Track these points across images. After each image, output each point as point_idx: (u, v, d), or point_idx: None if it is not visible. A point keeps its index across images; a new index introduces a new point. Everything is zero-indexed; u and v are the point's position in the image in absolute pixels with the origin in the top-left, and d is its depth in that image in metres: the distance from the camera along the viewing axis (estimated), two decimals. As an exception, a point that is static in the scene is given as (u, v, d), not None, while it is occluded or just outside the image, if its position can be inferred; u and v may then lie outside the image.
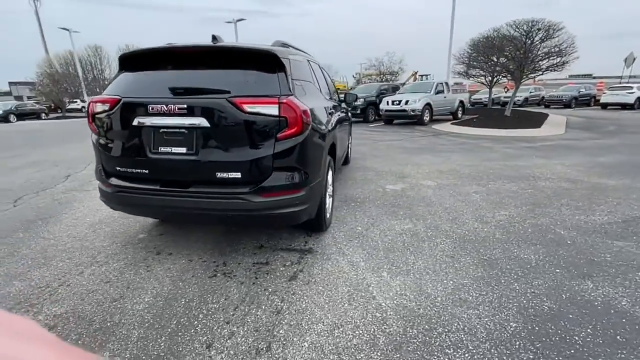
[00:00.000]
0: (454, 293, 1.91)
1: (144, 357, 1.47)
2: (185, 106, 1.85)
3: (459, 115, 13.35)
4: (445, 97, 12.46)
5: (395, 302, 1.84)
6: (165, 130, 1.92)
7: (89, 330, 1.65)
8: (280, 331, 1.63)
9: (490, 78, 16.65)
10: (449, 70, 16.76)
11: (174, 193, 1.96)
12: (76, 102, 32.71)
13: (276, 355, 1.48)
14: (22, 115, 21.75)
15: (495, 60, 13.97)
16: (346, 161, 5.17)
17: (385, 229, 2.81)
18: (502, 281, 2.02)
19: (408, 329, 1.63)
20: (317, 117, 2.28)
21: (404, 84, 19.50)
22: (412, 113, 11.14)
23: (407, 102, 11.22)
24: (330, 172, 2.84)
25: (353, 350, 1.50)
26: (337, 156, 3.28)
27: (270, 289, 1.97)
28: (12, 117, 20.75)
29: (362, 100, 12.65)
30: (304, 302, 1.85)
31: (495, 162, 5.40)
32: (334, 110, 3.22)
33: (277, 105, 1.87)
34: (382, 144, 7.45)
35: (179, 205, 1.98)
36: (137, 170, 2.02)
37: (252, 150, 1.90)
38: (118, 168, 2.07)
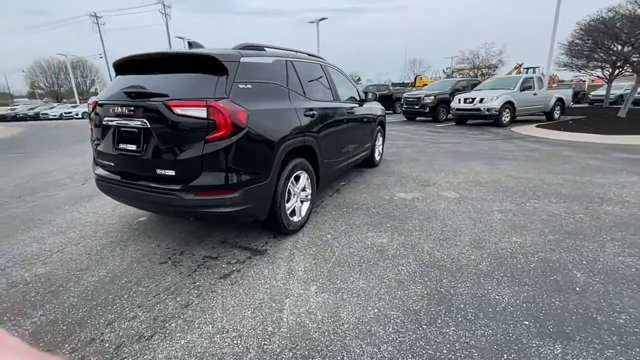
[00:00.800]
0: (367, 324, 1.68)
1: (59, 322, 1.74)
2: (132, 108, 2.07)
3: (555, 116, 11.13)
4: (535, 94, 10.53)
5: (298, 319, 1.72)
6: (123, 129, 2.19)
7: (46, 290, 2.02)
8: (173, 324, 1.70)
9: (610, 70, 13.35)
10: (550, 61, 14.00)
11: (129, 185, 2.22)
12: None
13: (150, 345, 1.56)
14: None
15: (618, 48, 11.11)
16: (371, 164, 4.90)
17: (354, 241, 2.60)
18: (438, 322, 1.68)
19: (286, 350, 1.52)
20: (267, 120, 2.26)
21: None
22: (486, 112, 9.79)
23: (481, 100, 9.90)
24: (304, 176, 2.77)
25: (216, 358, 1.48)
26: (328, 160, 3.17)
27: (197, 283, 2.07)
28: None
29: (431, 98, 11.70)
30: (214, 302, 1.88)
31: (560, 175, 4.38)
32: (326, 112, 3.11)
33: (205, 109, 1.93)
34: (434, 147, 6.78)
35: (132, 197, 2.24)
36: (107, 162, 2.36)
37: (184, 151, 2.01)
38: (99, 159, 2.46)
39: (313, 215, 3.14)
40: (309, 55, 3.40)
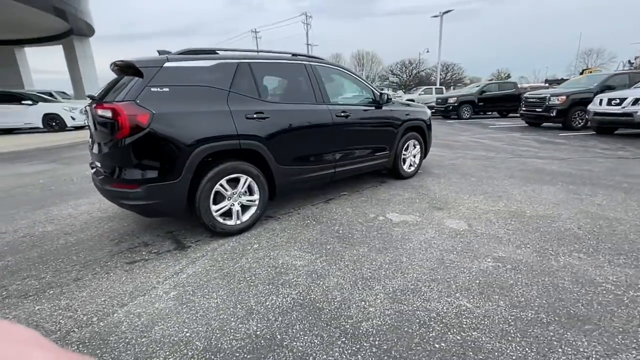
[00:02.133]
0: (172, 344, 1.55)
1: (18, 285, 2.32)
2: (85, 110, 2.51)
3: None
4: None
5: (114, 318, 1.75)
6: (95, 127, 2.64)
7: (29, 258, 2.71)
8: (51, 291, 2.02)
9: None
10: None
11: (94, 176, 2.70)
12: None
13: (21, 303, 1.91)
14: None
15: None
16: (397, 174, 4.26)
17: (270, 257, 2.38)
18: (221, 370, 1.39)
19: (81, 346, 1.58)
20: (179, 122, 2.32)
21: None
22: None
23: (637, 102, 6.96)
24: (245, 180, 2.70)
25: (41, 330, 1.69)
26: (293, 166, 2.99)
27: (109, 263, 2.34)
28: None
29: (560, 98, 9.04)
30: (96, 283, 2.11)
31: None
32: (292, 114, 2.94)
33: (111, 110, 2.16)
34: (513, 162, 5.26)
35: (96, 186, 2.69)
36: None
37: (104, 147, 2.31)
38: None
39: (272, 223, 3.02)
40: (294, 55, 3.24)
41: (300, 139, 3.05)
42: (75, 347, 1.56)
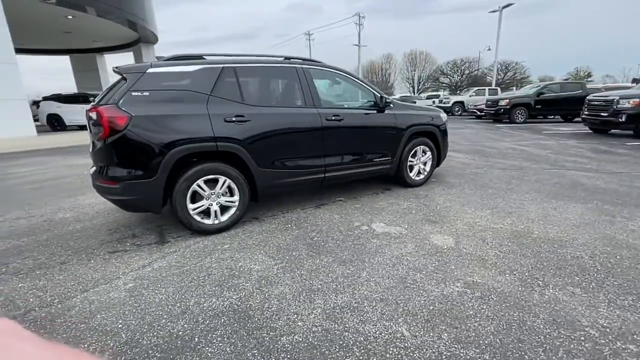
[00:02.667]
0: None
1: (17, 264, 2.68)
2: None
3: None
4: None
5: (66, 304, 1.91)
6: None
7: (38, 240, 3.10)
8: (38, 272, 2.28)
9: None
10: None
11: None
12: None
13: (8, 278, 2.20)
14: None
15: None
16: (402, 182, 4.02)
17: (233, 259, 2.41)
18: (127, 365, 1.45)
19: (29, 323, 1.77)
20: (155, 125, 2.45)
21: None
22: None
23: None
24: (223, 181, 2.77)
25: (12, 315, 1.93)
26: (276, 170, 2.99)
27: (96, 252, 2.58)
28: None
29: (632, 101, 7.75)
30: (76, 269, 2.34)
31: None
32: (276, 118, 2.95)
33: (96, 112, 2.38)
34: (548, 174, 4.62)
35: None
36: None
37: (95, 145, 2.55)
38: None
39: (254, 224, 3.06)
40: (286, 59, 3.24)
41: (284, 142, 3.04)
42: (27, 325, 1.74)
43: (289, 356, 1.48)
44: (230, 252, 2.52)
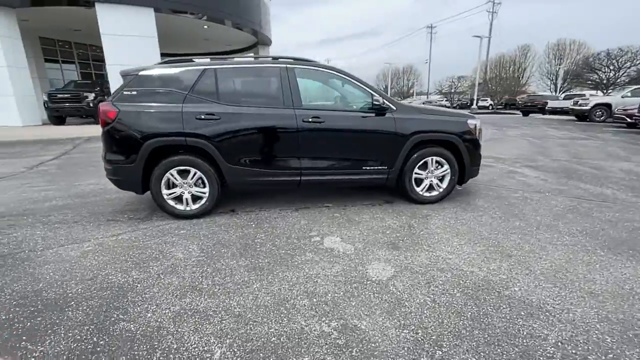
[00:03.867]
0: None
1: (49, 217, 3.61)
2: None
3: None
4: None
5: (35, 251, 2.50)
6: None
7: (74, 203, 4.04)
8: (38, 239, 3.05)
9: None
10: None
11: None
12: (486, 100, 37.61)
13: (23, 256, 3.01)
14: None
15: None
16: (406, 195, 3.50)
17: (163, 242, 2.65)
18: None
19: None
20: (135, 119, 2.87)
21: None
22: None
23: None
24: (194, 173, 3.03)
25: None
26: (246, 168, 3.10)
27: (97, 223, 3.26)
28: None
29: None
30: (61, 231, 3.02)
31: None
32: (249, 117, 3.03)
33: (99, 107, 2.96)
34: (619, 211, 3.17)
35: None
36: None
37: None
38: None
39: (224, 217, 3.23)
40: (274, 59, 3.24)
41: (254, 141, 3.08)
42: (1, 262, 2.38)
43: (115, 342, 1.59)
44: (178, 237, 2.77)
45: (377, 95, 3.24)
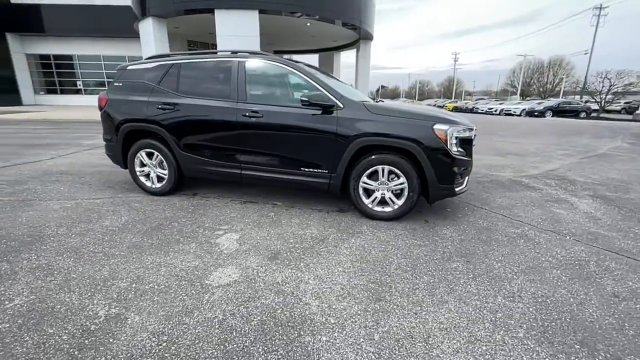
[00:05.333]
0: None
1: (76, 178, 4.64)
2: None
3: None
4: None
5: (36, 200, 3.34)
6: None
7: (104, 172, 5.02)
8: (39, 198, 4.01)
9: None
10: None
11: None
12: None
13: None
14: (560, 112, 23.45)
15: None
16: (352, 202, 3.09)
17: (111, 212, 3.12)
18: (-25, 235, 2.59)
19: None
20: (116, 106, 3.44)
21: None
22: None
23: None
24: (157, 156, 3.46)
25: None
26: (196, 156, 3.33)
27: (104, 187, 4.09)
28: (548, 113, 23.31)
29: None
30: (66, 190, 3.88)
31: None
32: (196, 108, 3.23)
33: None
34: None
35: None
36: None
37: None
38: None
39: (176, 198, 3.55)
40: (233, 52, 3.30)
41: (199, 131, 3.25)
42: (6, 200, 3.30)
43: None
44: (126, 208, 3.23)
45: (322, 91, 2.93)
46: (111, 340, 1.54)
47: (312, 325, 1.66)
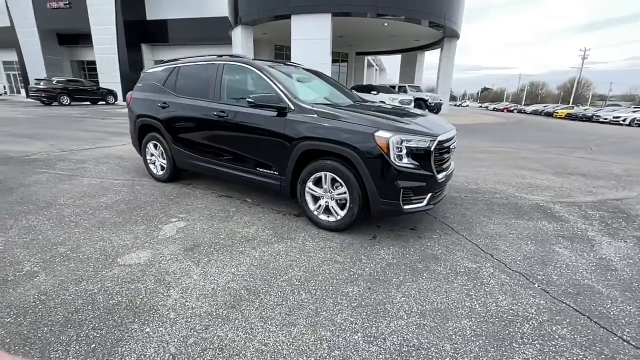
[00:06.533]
0: None
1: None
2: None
3: None
4: None
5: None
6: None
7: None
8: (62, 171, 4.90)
9: None
10: None
11: None
12: None
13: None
14: None
15: None
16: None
17: (101, 189, 3.73)
18: None
19: None
20: (135, 103, 4.07)
21: None
22: None
23: None
24: (159, 146, 3.99)
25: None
26: (184, 151, 3.72)
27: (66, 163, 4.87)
28: None
29: None
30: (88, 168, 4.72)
31: None
32: (183, 107, 3.61)
33: (132, 95, 4.40)
34: None
35: None
36: None
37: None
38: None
39: (175, 186, 4.02)
40: (219, 57, 3.53)
41: (185, 128, 3.61)
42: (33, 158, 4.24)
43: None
44: (127, 190, 3.81)
45: (276, 92, 2.92)
46: (11, 292, 1.91)
47: (151, 315, 1.74)
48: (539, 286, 2.09)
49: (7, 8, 26.01)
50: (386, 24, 17.76)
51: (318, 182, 2.81)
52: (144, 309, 1.79)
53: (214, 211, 3.25)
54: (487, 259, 2.41)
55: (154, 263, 2.26)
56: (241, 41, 17.66)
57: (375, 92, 16.72)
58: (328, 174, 2.69)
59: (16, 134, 7.65)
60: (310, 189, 2.84)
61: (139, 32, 25.02)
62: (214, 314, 1.77)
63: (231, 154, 3.32)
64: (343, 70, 27.81)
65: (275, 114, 2.93)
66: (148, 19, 25.46)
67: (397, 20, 16.59)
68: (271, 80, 3.04)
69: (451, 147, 2.87)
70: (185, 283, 2.04)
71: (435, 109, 19.08)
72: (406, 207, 2.52)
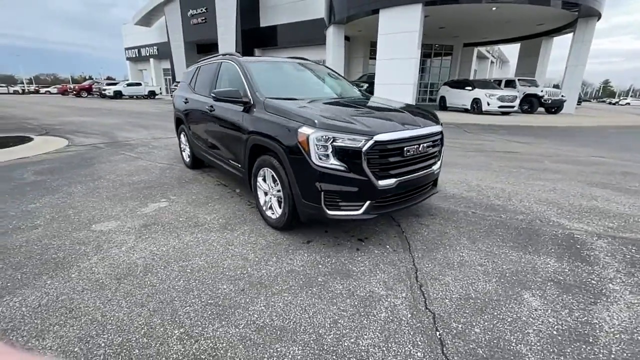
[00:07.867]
0: None
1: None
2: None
3: None
4: None
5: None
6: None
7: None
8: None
9: None
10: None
11: None
12: None
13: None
14: None
15: None
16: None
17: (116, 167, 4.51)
18: None
19: None
20: (175, 99, 4.77)
21: None
22: None
23: None
24: (183, 135, 4.62)
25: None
26: (197, 141, 4.22)
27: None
28: None
29: None
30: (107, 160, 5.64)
31: None
32: (192, 102, 4.08)
33: (178, 92, 5.17)
34: None
35: None
36: None
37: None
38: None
39: (191, 172, 4.57)
40: (224, 55, 3.81)
41: (193, 121, 4.06)
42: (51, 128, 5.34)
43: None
44: (156, 171, 4.55)
45: (244, 87, 3.01)
46: (6, 236, 2.61)
47: (61, 272, 2.11)
48: (439, 335, 1.59)
49: (167, 27, 33.46)
50: (494, 8, 15.33)
51: (265, 178, 2.79)
52: (63, 266, 2.19)
53: (200, 197, 3.59)
54: (408, 288, 1.96)
55: (111, 232, 2.70)
56: (332, 40, 18.14)
57: (469, 88, 14.80)
58: (267, 169, 2.65)
59: (136, 124, 9.94)
60: (259, 183, 2.85)
61: (253, 38, 28.55)
62: (100, 280, 2.03)
63: (215, 146, 3.60)
64: (445, 64, 25.36)
65: (241, 108, 3.02)
66: (261, 25, 28.76)
67: (515, 3, 14.01)
68: (244, 75, 3.14)
69: (413, 148, 2.40)
70: (111, 252, 2.38)
71: (554, 107, 15.54)
72: (331, 212, 2.26)
